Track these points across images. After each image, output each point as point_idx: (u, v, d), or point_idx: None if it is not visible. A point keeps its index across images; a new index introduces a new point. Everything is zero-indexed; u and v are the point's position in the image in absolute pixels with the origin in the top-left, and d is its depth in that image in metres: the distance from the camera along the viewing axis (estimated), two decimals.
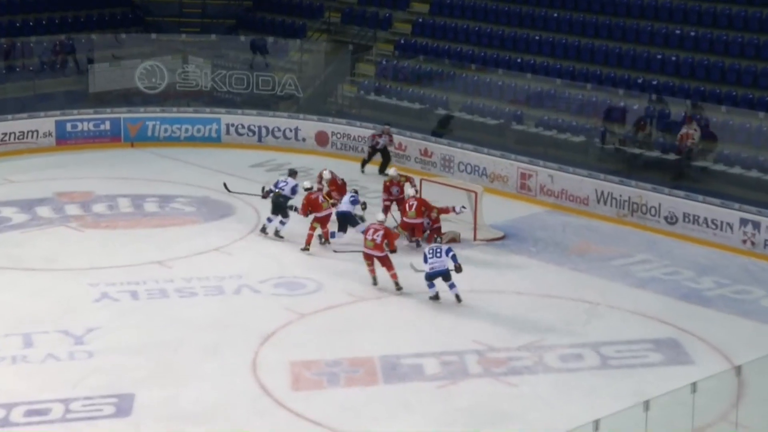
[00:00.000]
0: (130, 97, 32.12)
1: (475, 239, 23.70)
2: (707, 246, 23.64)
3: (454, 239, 23.28)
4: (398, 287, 20.91)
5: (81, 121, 30.56)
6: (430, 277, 20.39)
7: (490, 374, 17.74)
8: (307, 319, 19.73)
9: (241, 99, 32.14)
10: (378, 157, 28.44)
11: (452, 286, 20.35)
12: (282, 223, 23.46)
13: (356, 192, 23.56)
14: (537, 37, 30.81)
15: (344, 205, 23.22)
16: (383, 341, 18.78)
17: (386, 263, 20.96)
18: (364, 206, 23.60)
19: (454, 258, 20.29)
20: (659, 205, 24.57)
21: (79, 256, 22.45)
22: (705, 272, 22.34)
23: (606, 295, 21.00)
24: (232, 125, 31.00)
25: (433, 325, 19.60)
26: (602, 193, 25.46)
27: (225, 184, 25.64)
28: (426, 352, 18.39)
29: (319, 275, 21.66)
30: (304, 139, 30.61)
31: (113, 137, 30.72)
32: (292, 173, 24.16)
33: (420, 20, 33.34)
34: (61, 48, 33.15)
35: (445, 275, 20.28)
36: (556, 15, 30.93)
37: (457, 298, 20.40)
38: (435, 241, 21.22)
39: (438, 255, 20.29)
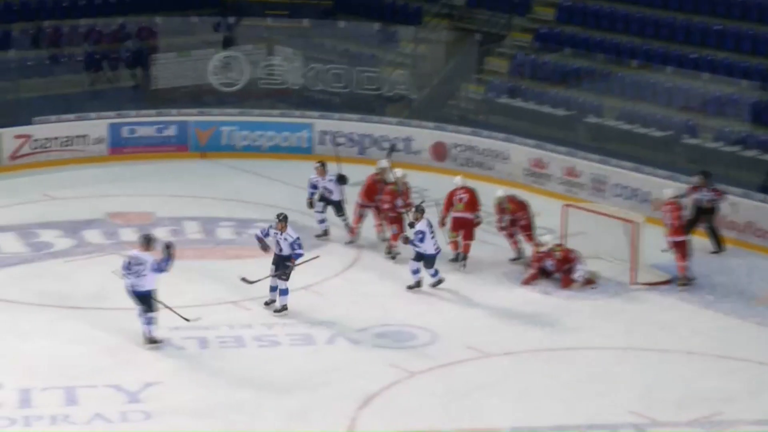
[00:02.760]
0: (200, 96, 32.68)
1: (632, 282, 23.62)
2: None
3: (590, 281, 23.39)
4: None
5: (140, 124, 31.08)
6: (420, 259, 22.74)
7: None
8: (417, 378, 19.74)
9: (339, 100, 32.46)
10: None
11: (435, 273, 22.98)
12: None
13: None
14: (718, 27, 30.70)
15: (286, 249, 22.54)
16: (514, 410, 18.73)
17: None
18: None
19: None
20: None
21: None
22: None
23: None
24: (327, 133, 31.28)
25: (578, 390, 19.50)
26: None
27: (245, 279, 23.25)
28: (569, 424, 18.28)
29: (433, 323, 21.69)
30: (417, 152, 30.78)
31: (179, 145, 31.25)
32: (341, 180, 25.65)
33: (567, 4, 33.47)
34: (117, 34, 33.76)
35: (431, 260, 22.79)
36: None
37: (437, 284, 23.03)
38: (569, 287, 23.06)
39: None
